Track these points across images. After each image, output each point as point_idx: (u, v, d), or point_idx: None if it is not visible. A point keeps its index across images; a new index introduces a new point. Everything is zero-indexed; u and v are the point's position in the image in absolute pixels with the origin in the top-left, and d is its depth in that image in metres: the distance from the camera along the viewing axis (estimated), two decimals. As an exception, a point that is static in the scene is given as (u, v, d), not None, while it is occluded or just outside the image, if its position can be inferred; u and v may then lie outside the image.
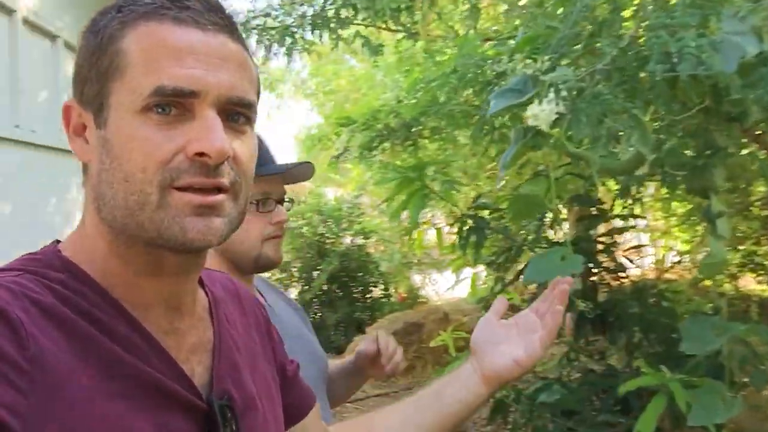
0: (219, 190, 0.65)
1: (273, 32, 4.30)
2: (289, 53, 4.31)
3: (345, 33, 4.18)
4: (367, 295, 7.72)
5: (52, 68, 3.40)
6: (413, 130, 4.32)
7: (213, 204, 0.65)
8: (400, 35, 4.08)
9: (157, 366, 0.66)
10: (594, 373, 2.62)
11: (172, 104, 0.63)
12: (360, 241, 7.77)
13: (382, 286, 8.02)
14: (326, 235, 7.48)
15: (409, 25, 3.74)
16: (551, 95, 1.55)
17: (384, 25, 3.95)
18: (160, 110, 0.63)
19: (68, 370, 0.59)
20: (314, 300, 7.17)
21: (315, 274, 7.26)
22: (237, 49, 0.68)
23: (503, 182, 3.71)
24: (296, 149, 7.68)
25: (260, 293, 1.47)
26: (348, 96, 7.58)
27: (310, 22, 4.15)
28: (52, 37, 3.38)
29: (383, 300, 7.87)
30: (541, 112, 1.57)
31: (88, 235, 0.69)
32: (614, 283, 2.66)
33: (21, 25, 3.00)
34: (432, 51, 3.46)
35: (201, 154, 0.63)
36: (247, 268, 1.36)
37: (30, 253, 0.68)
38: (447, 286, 7.31)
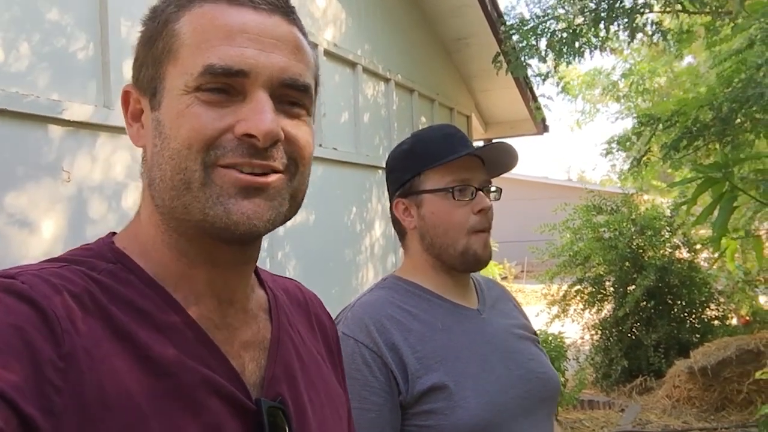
0: (269, 173, 0.63)
1: (562, 34, 4.12)
2: (579, 53, 4.08)
3: (642, 22, 3.78)
4: (694, 315, 6.83)
5: (352, 92, 3.77)
6: (732, 123, 3.70)
7: (261, 185, 0.62)
8: (707, 18, 3.53)
9: (204, 359, 0.63)
10: None
11: (224, 84, 0.62)
12: (684, 253, 6.92)
13: (716, 306, 7.00)
14: (643, 246, 6.82)
15: (715, 4, 3.22)
16: None
17: (683, 8, 3.47)
18: (211, 90, 0.61)
19: (105, 367, 0.57)
20: (628, 317, 6.59)
21: (630, 289, 6.66)
22: (291, 31, 0.65)
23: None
24: (601, 156, 7.20)
25: (480, 289, 1.40)
26: (668, 94, 6.87)
27: (603, 17, 3.86)
28: (352, 64, 3.74)
29: (715, 322, 6.87)
30: None
31: (143, 225, 0.68)
32: None
33: (323, 56, 3.38)
34: (737, 29, 2.91)
35: (249, 135, 0.61)
36: (455, 265, 1.31)
37: (85, 244, 0.68)
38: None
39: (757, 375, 2.76)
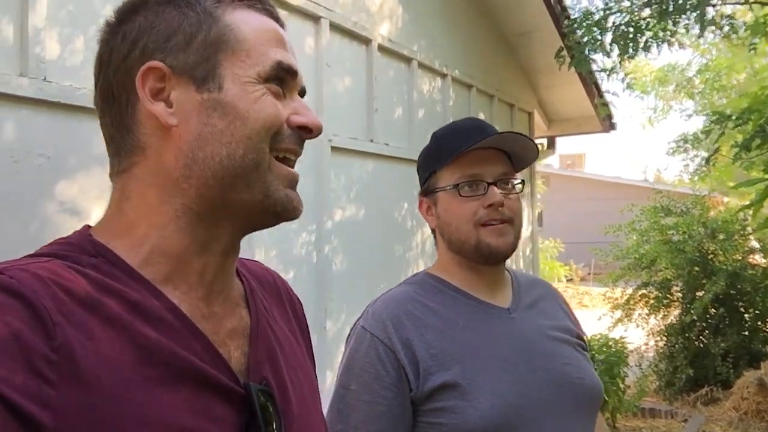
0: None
1: (629, 28, 3.97)
2: (646, 48, 3.92)
3: (711, 14, 3.60)
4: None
5: (406, 87, 3.75)
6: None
7: (297, 180, 0.73)
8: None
9: (194, 349, 0.65)
10: None
11: (281, 80, 0.71)
12: (759, 259, 6.57)
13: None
14: (714, 251, 6.51)
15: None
16: None
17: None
18: (276, 83, 0.70)
19: (100, 357, 0.58)
20: (696, 324, 6.31)
21: (698, 294, 6.37)
22: None
23: None
24: (668, 155, 6.92)
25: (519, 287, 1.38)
26: (746, 91, 6.51)
27: (670, 10, 3.70)
28: (407, 59, 3.72)
29: (793, 333, 6.48)
30: None
31: (131, 218, 0.69)
32: None
33: (376, 51, 3.38)
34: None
35: (304, 127, 0.71)
36: (475, 259, 1.31)
37: (61, 238, 0.69)
38: None
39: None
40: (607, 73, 4.32)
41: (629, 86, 4.38)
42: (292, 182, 0.72)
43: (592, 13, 4.12)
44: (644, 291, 6.75)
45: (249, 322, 0.75)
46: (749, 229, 6.40)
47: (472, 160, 1.28)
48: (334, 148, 3.03)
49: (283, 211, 0.70)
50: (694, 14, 3.73)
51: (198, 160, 0.67)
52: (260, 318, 0.76)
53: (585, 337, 1.43)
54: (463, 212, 1.29)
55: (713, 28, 3.84)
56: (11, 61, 1.76)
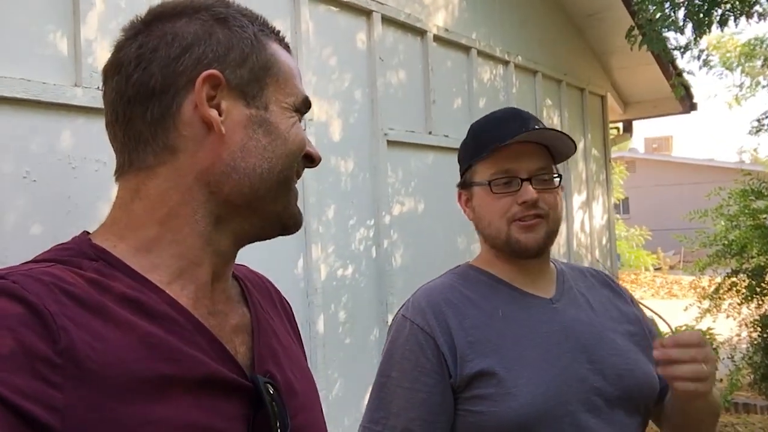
0: None
1: (703, 2, 3.73)
2: (723, 22, 3.68)
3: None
4: None
5: (465, 77, 3.69)
6: None
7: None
8: None
9: (201, 346, 0.66)
10: None
11: (301, 112, 0.79)
12: None
13: None
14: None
15: None
16: None
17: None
18: (298, 114, 0.79)
19: (105, 358, 0.58)
20: None
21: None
22: None
23: None
24: (754, 134, 6.43)
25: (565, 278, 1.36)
26: None
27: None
28: (466, 48, 3.66)
29: None
30: None
31: (140, 218, 0.71)
32: None
33: (432, 42, 3.34)
34: None
35: (310, 157, 0.80)
36: (509, 253, 1.31)
37: (59, 244, 0.71)
38: None
39: None
40: (682, 50, 4.08)
41: (706, 63, 4.12)
42: (297, 199, 0.80)
43: (662, -11, 3.90)
44: (734, 279, 6.35)
45: (250, 319, 0.78)
46: None
47: (508, 154, 1.27)
48: (390, 142, 3.02)
49: (294, 224, 0.79)
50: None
51: (239, 170, 0.72)
52: (259, 315, 0.80)
53: (649, 326, 1.37)
54: (495, 208, 1.29)
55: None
56: (66, 73, 1.85)
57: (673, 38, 4.08)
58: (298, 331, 0.94)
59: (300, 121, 0.80)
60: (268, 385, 0.70)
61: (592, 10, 4.90)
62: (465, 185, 1.37)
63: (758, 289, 6.28)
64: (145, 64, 0.70)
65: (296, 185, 0.79)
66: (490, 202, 1.29)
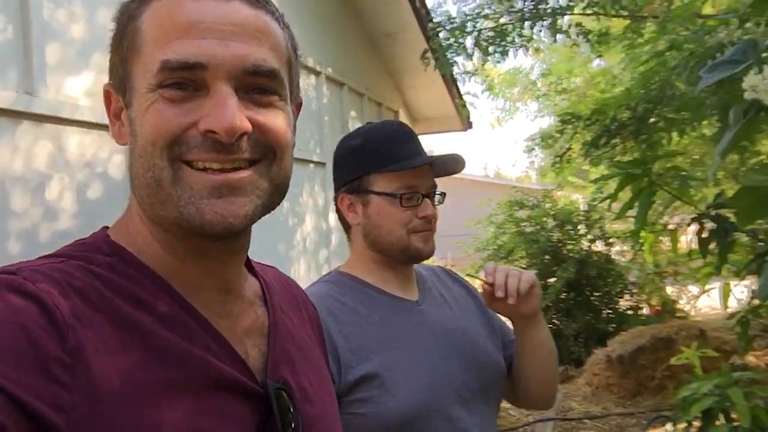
0: (242, 167, 0.62)
1: (488, 33, 4.21)
2: (504, 52, 4.19)
3: (564, 23, 3.92)
4: (610, 306, 7.16)
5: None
6: (647, 123, 3.89)
7: (232, 182, 0.62)
8: (625, 21, 3.71)
9: (210, 348, 0.64)
10: None
11: (184, 79, 0.61)
12: (600, 247, 7.25)
13: (630, 297, 7.38)
14: (563, 240, 7.10)
15: (633, 9, 3.38)
16: (775, 61, 1.26)
17: (604, 11, 3.63)
18: (171, 86, 0.61)
19: (113, 358, 0.57)
20: (550, 308, 6.85)
21: (551, 281, 6.92)
22: (253, 15, 0.64)
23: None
24: (525, 152, 7.52)
25: (423, 278, 1.44)
26: (584, 94, 7.15)
27: (528, 16, 3.98)
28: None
29: (629, 312, 7.23)
30: (761, 82, 1.27)
31: (133, 220, 0.68)
32: None
33: None
34: (662, 30, 3.08)
35: (212, 132, 0.60)
36: (398, 260, 1.36)
37: (78, 240, 0.68)
38: (705, 299, 6.47)
39: (673, 360, 2.93)
40: (469, 75, 4.56)
41: (489, 88, 4.65)
42: (215, 189, 0.61)
43: (454, 18, 4.32)
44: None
45: (267, 321, 0.74)
46: (592, 219, 7.04)
47: (413, 172, 1.33)
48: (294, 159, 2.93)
49: (200, 227, 0.61)
50: (548, 22, 4.03)
51: (133, 179, 0.65)
52: (278, 317, 0.76)
53: (490, 313, 1.49)
54: (398, 219, 1.33)
55: (562, 36, 4.18)
56: None
57: (461, 63, 4.52)
58: (323, 338, 0.90)
59: (167, 98, 0.61)
60: (281, 391, 0.68)
61: (390, 30, 5.23)
62: (357, 191, 1.37)
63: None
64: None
65: (204, 175, 0.61)
66: (394, 213, 1.33)
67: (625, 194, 2.89)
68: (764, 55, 1.30)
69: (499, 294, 1.29)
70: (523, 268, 6.95)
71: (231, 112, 0.60)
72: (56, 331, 0.54)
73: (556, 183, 8.05)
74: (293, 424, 0.68)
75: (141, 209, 0.67)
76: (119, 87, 0.66)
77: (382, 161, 1.34)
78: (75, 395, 0.53)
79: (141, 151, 0.62)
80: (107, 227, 0.70)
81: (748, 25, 1.43)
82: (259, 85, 0.64)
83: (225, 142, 0.60)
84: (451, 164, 1.40)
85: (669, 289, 7.81)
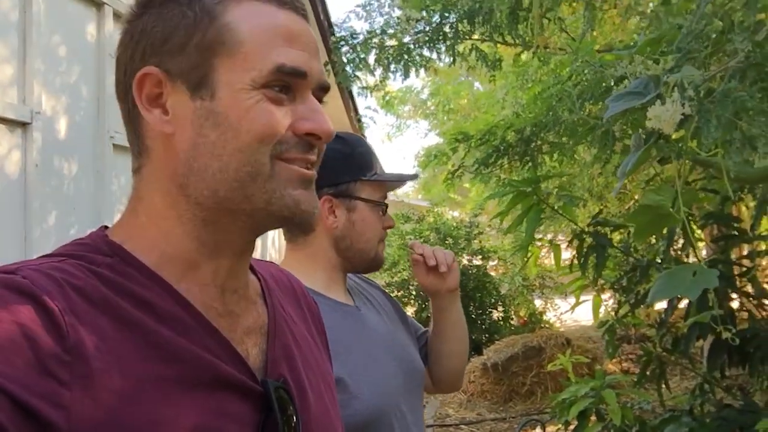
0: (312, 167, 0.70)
1: (391, 51, 4.35)
2: (406, 71, 4.35)
3: (462, 48, 4.15)
4: (485, 317, 7.55)
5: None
6: (532, 145, 4.19)
7: (312, 178, 0.69)
8: (518, 49, 3.99)
9: (210, 347, 0.64)
10: (731, 409, 2.36)
11: (287, 83, 0.66)
12: (478, 261, 7.64)
13: (501, 309, 7.82)
14: (444, 254, 7.41)
15: (526, 38, 3.65)
16: (675, 95, 1.43)
17: (501, 39, 3.88)
18: (276, 88, 0.65)
19: (113, 357, 0.57)
20: (430, 319, 7.10)
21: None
22: (313, 34, 0.70)
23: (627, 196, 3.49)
24: (413, 168, 7.79)
25: (356, 289, 1.48)
26: (469, 115, 7.54)
27: (428, 38, 4.16)
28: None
29: (500, 323, 7.66)
30: (664, 113, 1.45)
31: (152, 217, 0.68)
32: (756, 312, 2.40)
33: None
34: (549, 62, 3.35)
35: (312, 134, 0.67)
36: (363, 267, 1.40)
37: (76, 239, 0.68)
38: (568, 311, 7.01)
39: (549, 367, 3.18)
40: (370, 90, 4.67)
41: (388, 104, 4.79)
42: (304, 182, 0.67)
43: (357, 34, 4.42)
44: (387, 290, 7.39)
45: (266, 320, 0.75)
46: (473, 234, 7.41)
47: (389, 184, 1.43)
48: (116, 146, 2.81)
49: (291, 215, 0.66)
50: (446, 45, 4.24)
51: (194, 171, 0.65)
52: (277, 316, 0.76)
53: (404, 313, 1.58)
54: (377, 228, 1.39)
55: (459, 59, 4.41)
56: None
57: (362, 78, 4.62)
58: (324, 333, 0.91)
59: (295, 94, 0.66)
60: (281, 389, 0.69)
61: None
62: (344, 195, 1.38)
63: (404, 299, 7.42)
64: (117, 65, 0.69)
65: (295, 167, 0.66)
66: (375, 221, 1.38)
67: (516, 211, 3.11)
68: (663, 89, 1.48)
69: (432, 262, 1.41)
70: (406, 280, 7.18)
71: (327, 119, 0.67)
72: (55, 329, 0.55)
73: (435, 199, 8.39)
74: (294, 422, 0.69)
75: (186, 203, 0.66)
76: (182, 75, 0.65)
77: (371, 170, 1.38)
78: (75, 392, 0.54)
79: (243, 146, 0.64)
80: (106, 227, 0.70)
81: (640, 59, 1.63)
82: (320, 97, 0.70)
83: (316, 144, 0.68)
84: (398, 183, 1.51)
85: (537, 302, 8.37)
